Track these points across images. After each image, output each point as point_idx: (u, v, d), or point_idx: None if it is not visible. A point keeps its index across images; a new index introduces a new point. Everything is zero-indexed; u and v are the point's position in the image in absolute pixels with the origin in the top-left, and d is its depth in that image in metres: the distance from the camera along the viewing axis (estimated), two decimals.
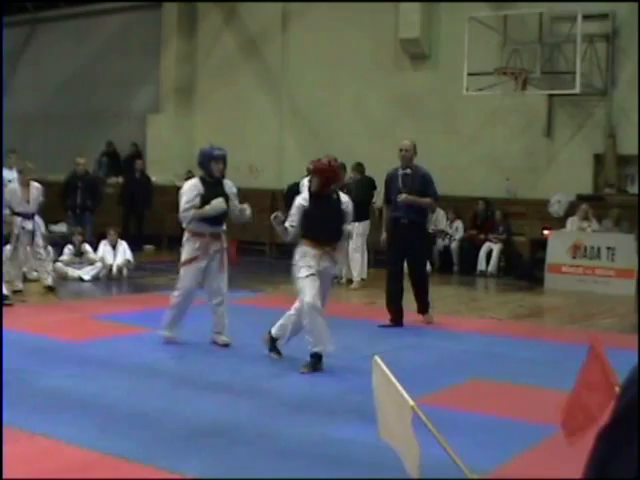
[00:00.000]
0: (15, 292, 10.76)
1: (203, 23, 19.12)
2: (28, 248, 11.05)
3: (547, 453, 5.04)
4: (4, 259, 11.30)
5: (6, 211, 10.98)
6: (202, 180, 7.87)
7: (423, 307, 9.53)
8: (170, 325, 8.01)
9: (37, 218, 11.17)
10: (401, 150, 9.45)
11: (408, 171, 9.40)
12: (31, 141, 19.55)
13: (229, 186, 8.02)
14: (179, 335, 8.04)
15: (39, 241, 11.12)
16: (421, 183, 9.37)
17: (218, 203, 7.75)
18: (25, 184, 11.11)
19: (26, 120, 20.42)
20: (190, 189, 7.82)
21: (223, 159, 7.88)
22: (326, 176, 7.06)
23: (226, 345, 7.91)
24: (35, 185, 11.19)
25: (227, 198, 7.89)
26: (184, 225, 7.92)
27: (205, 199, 7.75)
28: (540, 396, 6.35)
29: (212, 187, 7.80)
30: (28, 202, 11.03)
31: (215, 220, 7.87)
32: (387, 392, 3.35)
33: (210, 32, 18.91)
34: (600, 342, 3.62)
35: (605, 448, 1.53)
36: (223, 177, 7.97)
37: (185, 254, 7.89)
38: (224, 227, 8.09)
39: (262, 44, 18.20)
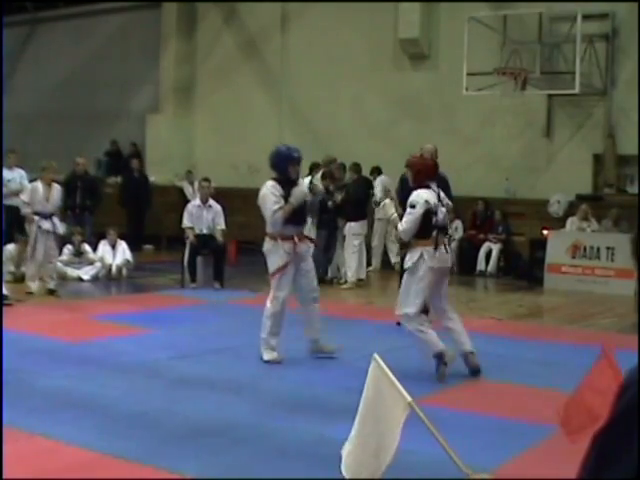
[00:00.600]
0: (27, 293, 10.75)
1: (203, 23, 19.12)
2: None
3: (547, 453, 5.05)
4: (5, 258, 11.30)
5: (28, 209, 10.87)
6: (278, 182, 7.50)
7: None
8: (269, 340, 7.43)
9: (55, 219, 11.04)
10: (423, 154, 9.39)
11: None
12: (31, 141, 19.54)
13: (303, 185, 7.74)
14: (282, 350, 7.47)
15: (53, 243, 11.05)
16: (440, 186, 9.31)
17: (299, 192, 7.47)
18: (47, 183, 11.03)
19: (26, 120, 20.41)
20: (272, 192, 7.42)
21: (299, 161, 7.56)
22: (417, 169, 7.07)
23: (331, 355, 7.55)
24: (57, 187, 11.14)
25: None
26: (274, 229, 7.42)
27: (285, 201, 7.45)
28: (540, 396, 6.36)
29: (288, 188, 7.46)
30: (47, 201, 10.93)
31: (299, 220, 7.58)
32: (382, 390, 3.32)
33: (210, 32, 18.91)
34: (613, 348, 3.59)
35: (601, 449, 1.52)
36: (297, 178, 7.68)
37: (275, 262, 7.45)
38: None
39: (262, 44, 18.21)
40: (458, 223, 15.27)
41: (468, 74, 14.20)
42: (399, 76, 16.47)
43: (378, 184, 14.27)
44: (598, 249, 13.01)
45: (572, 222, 13.92)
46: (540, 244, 13.70)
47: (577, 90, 13.61)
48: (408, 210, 6.89)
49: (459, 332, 7.05)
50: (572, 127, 14.96)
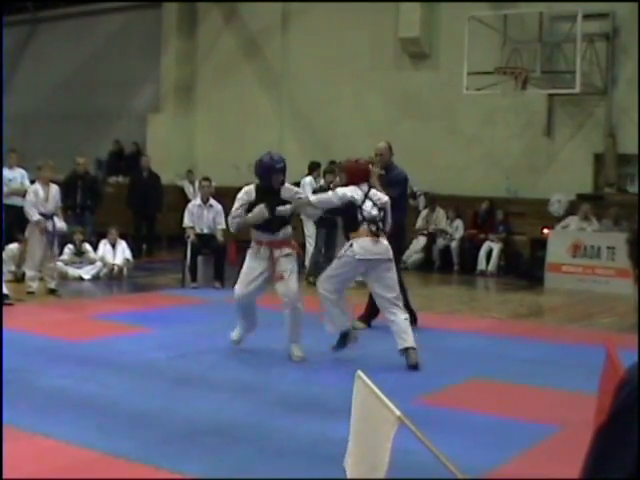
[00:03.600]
0: (28, 293, 10.74)
1: (203, 23, 19.12)
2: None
3: (547, 453, 5.05)
4: (6, 257, 11.28)
5: (35, 214, 10.72)
6: (257, 189, 7.54)
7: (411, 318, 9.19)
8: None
9: (56, 219, 10.97)
10: (376, 155, 9.06)
11: (382, 172, 9.08)
12: (31, 141, 19.54)
13: (287, 190, 7.62)
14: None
15: (54, 242, 11.02)
16: (389, 182, 8.97)
17: (259, 211, 7.45)
18: (45, 183, 10.99)
19: (26, 120, 20.42)
20: (240, 196, 7.58)
21: (283, 170, 7.51)
22: (351, 173, 7.65)
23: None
24: (54, 186, 11.10)
25: (283, 204, 7.52)
26: (231, 230, 8.03)
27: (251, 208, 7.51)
28: (540, 396, 6.36)
29: (270, 197, 7.47)
30: (47, 201, 10.87)
31: (270, 229, 7.55)
32: (370, 408, 3.28)
33: (210, 32, 18.92)
34: (614, 345, 3.57)
35: (600, 447, 1.52)
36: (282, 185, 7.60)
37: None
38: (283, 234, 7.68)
39: (262, 44, 18.21)
40: (459, 222, 15.27)
41: (468, 73, 14.20)
42: (399, 75, 16.47)
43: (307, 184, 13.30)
44: (599, 248, 13.01)
45: (572, 221, 13.88)
46: (541, 243, 13.70)
47: (578, 89, 13.61)
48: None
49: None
50: (573, 126, 14.96)
